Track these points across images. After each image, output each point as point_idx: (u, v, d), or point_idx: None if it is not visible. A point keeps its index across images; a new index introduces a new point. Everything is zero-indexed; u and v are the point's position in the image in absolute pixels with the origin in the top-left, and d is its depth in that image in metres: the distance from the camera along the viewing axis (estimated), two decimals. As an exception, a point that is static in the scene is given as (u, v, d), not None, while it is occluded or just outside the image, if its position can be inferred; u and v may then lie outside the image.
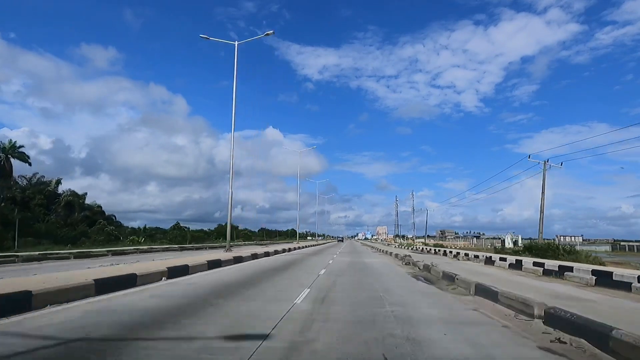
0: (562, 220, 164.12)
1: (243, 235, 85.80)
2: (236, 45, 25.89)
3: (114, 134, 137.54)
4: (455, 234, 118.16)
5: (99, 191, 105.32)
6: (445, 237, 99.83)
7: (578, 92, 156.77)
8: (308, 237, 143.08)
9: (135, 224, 54.04)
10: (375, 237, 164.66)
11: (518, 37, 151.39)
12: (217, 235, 57.32)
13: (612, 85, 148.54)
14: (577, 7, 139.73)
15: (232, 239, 56.33)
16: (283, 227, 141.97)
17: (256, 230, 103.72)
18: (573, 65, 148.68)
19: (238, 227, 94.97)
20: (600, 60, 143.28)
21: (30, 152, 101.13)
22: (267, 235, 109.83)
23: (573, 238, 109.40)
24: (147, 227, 51.16)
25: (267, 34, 27.01)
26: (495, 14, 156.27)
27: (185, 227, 52.96)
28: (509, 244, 59.85)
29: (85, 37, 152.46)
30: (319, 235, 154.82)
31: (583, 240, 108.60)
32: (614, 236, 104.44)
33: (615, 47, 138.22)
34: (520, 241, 67.99)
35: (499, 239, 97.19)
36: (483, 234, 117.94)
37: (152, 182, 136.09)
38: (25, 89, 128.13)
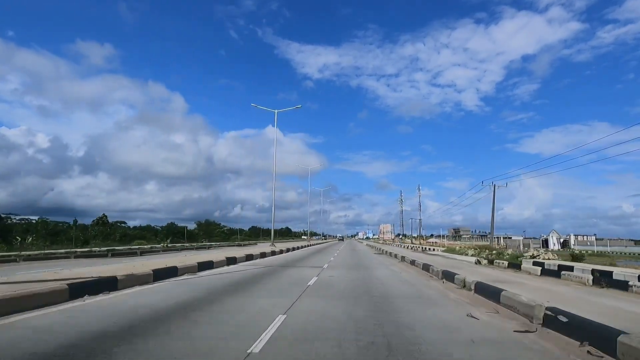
0: (563, 220, 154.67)
1: (220, 234, 73.71)
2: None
3: (112, 132, 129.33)
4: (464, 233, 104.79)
5: (98, 190, 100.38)
6: (460, 236, 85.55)
7: (579, 91, 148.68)
8: (303, 237, 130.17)
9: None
10: (376, 236, 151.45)
11: (519, 35, 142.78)
12: (166, 234, 42.53)
13: (613, 84, 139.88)
14: (579, 6, 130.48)
15: (208, 238, 42.60)
16: (282, 226, 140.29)
17: (247, 229, 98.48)
18: (574, 64, 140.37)
19: (220, 224, 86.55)
20: (601, 59, 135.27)
21: (28, 151, 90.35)
22: (255, 234, 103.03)
23: (586, 237, 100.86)
24: (42, 220, 35.72)
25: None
26: (496, 12, 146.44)
27: (122, 223, 38.65)
28: (554, 244, 46.24)
29: (81, 33, 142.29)
30: (317, 235, 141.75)
31: (597, 239, 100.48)
32: (614, 236, 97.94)
33: (617, 45, 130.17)
34: (573, 241, 52.75)
35: (509, 238, 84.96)
36: (489, 233, 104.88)
37: (150, 180, 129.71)
38: (23, 87, 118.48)
